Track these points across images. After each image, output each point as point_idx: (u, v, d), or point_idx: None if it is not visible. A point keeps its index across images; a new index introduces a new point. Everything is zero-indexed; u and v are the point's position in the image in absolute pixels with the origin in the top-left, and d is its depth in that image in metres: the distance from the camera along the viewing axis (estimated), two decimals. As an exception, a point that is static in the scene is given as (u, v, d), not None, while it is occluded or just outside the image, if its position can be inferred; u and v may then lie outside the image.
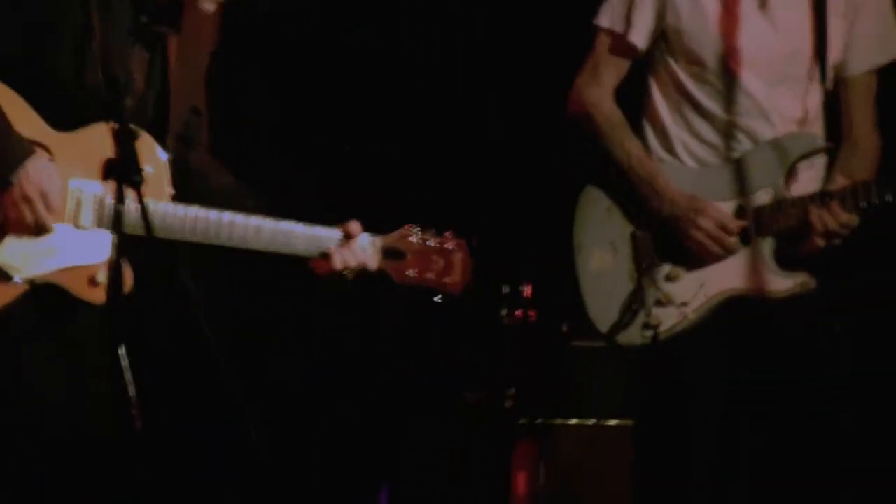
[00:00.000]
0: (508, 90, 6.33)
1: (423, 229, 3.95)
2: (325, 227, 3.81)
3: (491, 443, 5.85)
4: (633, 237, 4.37)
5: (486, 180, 6.29)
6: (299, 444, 5.93)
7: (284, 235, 3.76)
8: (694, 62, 4.31)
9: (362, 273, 3.83)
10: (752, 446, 4.37)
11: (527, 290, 5.90)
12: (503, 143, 6.33)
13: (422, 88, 6.31)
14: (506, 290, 5.91)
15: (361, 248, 3.82)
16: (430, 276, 3.92)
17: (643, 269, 4.33)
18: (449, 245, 3.96)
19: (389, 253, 3.89)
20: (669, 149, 4.39)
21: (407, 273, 3.90)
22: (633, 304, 4.31)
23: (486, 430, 5.89)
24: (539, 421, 5.76)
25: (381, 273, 3.89)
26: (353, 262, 3.80)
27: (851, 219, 4.19)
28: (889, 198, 4.15)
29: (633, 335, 4.32)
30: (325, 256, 3.79)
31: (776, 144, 4.29)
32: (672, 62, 4.35)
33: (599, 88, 4.43)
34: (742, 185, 4.31)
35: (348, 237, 3.81)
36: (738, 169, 4.31)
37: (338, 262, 3.78)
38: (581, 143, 4.43)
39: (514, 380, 5.85)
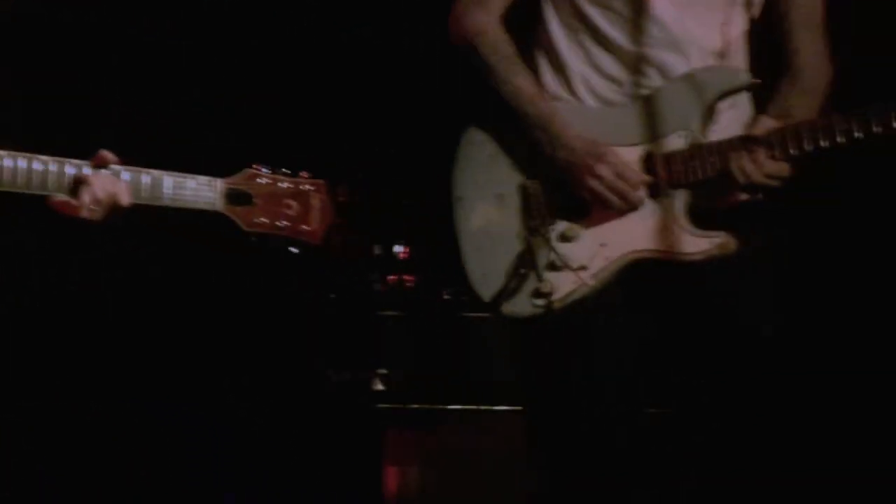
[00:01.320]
0: (382, 15, 5.91)
1: (274, 169, 3.54)
2: (72, 161, 3.37)
3: (359, 431, 5.41)
4: (523, 189, 3.91)
5: (355, 118, 5.83)
6: (127, 436, 5.43)
7: (22, 174, 3.30)
8: None
9: (114, 212, 3.38)
10: (669, 427, 3.99)
11: (402, 252, 5.58)
12: (373, 74, 5.90)
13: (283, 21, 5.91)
14: (378, 251, 5.58)
15: (110, 180, 3.36)
16: (283, 223, 3.52)
17: (534, 226, 3.86)
18: (305, 186, 3.56)
19: (234, 197, 3.48)
20: (567, 85, 3.96)
21: (256, 220, 3.49)
22: (521, 268, 3.86)
23: (353, 417, 5.45)
24: (414, 406, 5.39)
25: (225, 220, 3.48)
26: (100, 194, 3.34)
27: (781, 168, 3.76)
28: (825, 144, 3.70)
29: (522, 304, 3.87)
30: (72, 192, 3.35)
31: (691, 80, 3.86)
32: None
33: (485, 13, 3.98)
34: (651, 128, 3.87)
35: (98, 167, 3.36)
36: (647, 109, 3.88)
37: (85, 197, 3.33)
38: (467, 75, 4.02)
39: (386, 357, 5.48)
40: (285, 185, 3.54)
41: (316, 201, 3.56)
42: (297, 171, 3.59)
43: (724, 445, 3.89)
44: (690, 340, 3.91)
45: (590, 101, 3.92)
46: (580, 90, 3.92)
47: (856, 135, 3.67)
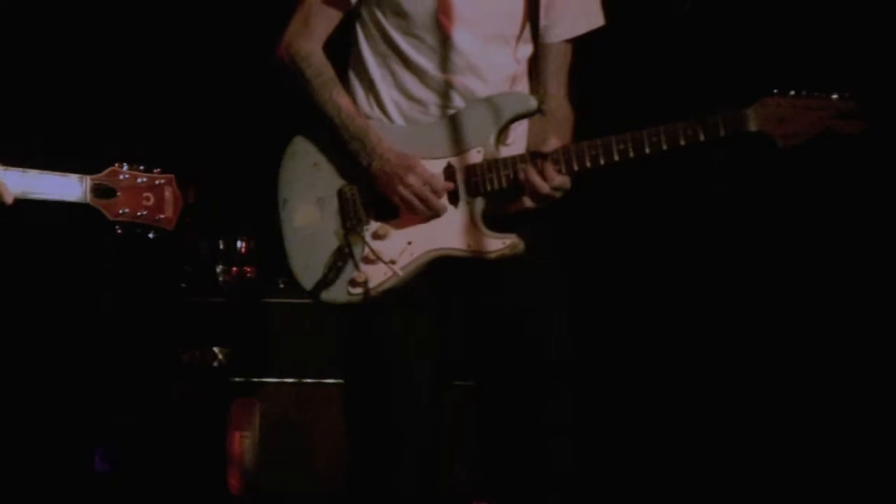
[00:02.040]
0: (224, 35, 6.24)
1: (133, 166, 3.99)
2: None
3: (207, 402, 5.78)
4: (341, 193, 4.28)
5: (202, 127, 6.19)
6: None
7: None
8: (399, 14, 4.23)
9: None
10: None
11: (243, 246, 5.88)
12: (221, 89, 6.23)
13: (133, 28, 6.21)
14: (222, 245, 5.89)
15: None
16: (142, 212, 3.98)
17: (350, 225, 4.24)
18: (158, 181, 4.02)
19: (100, 191, 3.93)
20: (378, 105, 4.30)
21: (119, 211, 3.96)
22: (339, 261, 4.22)
23: (201, 390, 5.81)
24: (254, 380, 5.73)
25: (93, 212, 3.92)
26: None
27: (565, 181, 4.15)
28: (604, 161, 4.12)
29: (338, 292, 4.24)
30: None
31: (489, 103, 4.23)
32: (378, 13, 4.26)
33: (310, 40, 4.30)
34: (452, 144, 4.23)
35: None
36: (449, 127, 4.24)
37: None
38: (292, 92, 4.33)
39: (229, 338, 5.83)
40: (143, 179, 4.00)
41: (168, 193, 4.02)
42: (152, 168, 4.02)
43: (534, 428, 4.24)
44: (490, 333, 4.28)
45: (399, 120, 4.25)
46: (390, 111, 4.26)
47: (630, 154, 4.08)
